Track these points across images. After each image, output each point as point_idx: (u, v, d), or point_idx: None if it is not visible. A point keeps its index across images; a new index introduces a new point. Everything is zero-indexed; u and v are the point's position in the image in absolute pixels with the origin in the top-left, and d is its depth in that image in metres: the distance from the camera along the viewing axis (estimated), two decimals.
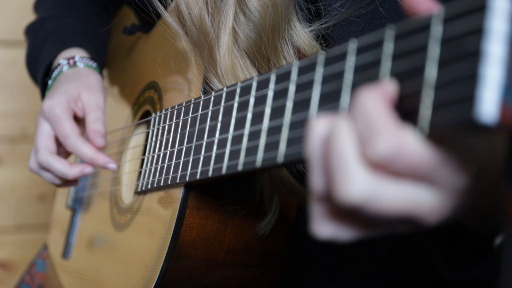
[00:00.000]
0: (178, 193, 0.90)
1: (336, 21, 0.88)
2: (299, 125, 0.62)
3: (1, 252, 1.91)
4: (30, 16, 1.34)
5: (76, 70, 1.15)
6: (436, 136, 0.47)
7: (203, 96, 0.87)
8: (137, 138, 1.16)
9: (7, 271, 1.90)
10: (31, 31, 1.27)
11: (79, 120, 1.13)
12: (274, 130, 0.66)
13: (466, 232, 0.69)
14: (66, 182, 1.11)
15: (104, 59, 1.28)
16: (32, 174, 1.88)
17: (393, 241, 0.98)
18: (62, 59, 1.17)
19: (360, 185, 0.49)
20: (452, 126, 0.44)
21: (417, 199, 0.50)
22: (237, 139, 0.75)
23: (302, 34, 0.88)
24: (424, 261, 0.98)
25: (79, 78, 1.13)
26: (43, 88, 1.21)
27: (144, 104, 1.14)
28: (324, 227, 0.54)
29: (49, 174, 1.10)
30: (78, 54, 1.18)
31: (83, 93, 1.10)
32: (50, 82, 1.16)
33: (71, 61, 1.16)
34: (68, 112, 1.08)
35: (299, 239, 0.96)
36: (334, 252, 0.98)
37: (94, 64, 1.18)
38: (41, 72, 1.19)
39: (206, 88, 0.91)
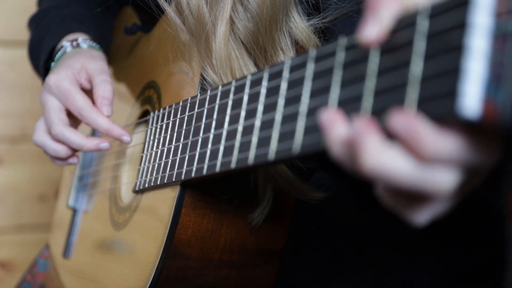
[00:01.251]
0: (174, 191, 0.91)
1: (336, 16, 0.88)
2: (290, 120, 0.63)
3: (1, 252, 1.91)
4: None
5: (79, 49, 1.15)
6: None
7: (199, 95, 0.88)
8: (137, 137, 1.17)
9: (7, 271, 1.90)
10: (34, 21, 1.27)
11: (86, 92, 1.12)
12: (266, 126, 0.67)
13: None
14: (68, 157, 1.10)
15: (107, 51, 1.28)
16: (32, 174, 1.88)
17: (392, 240, 0.98)
18: (65, 42, 1.16)
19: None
20: (436, 121, 0.44)
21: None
22: (230, 136, 0.75)
23: (300, 26, 0.88)
24: (422, 260, 0.98)
25: (81, 53, 1.12)
26: (45, 73, 1.20)
27: (144, 103, 1.14)
28: (418, 216, 0.52)
29: (55, 144, 1.08)
30: (81, 37, 1.18)
31: (87, 64, 1.09)
32: (53, 64, 1.16)
33: (74, 43, 1.15)
34: (76, 85, 1.06)
35: (296, 238, 0.96)
36: (332, 250, 0.98)
37: (98, 46, 1.18)
38: (44, 56, 1.18)
39: (202, 81, 0.91)
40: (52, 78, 1.06)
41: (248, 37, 0.88)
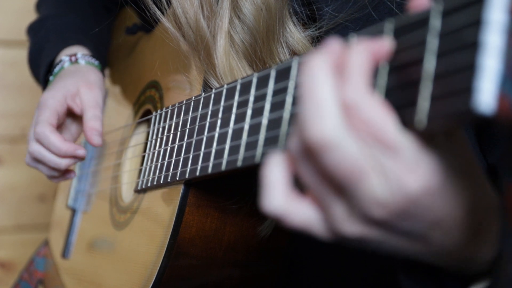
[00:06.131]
0: (178, 190, 0.91)
1: (331, 26, 0.88)
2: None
3: (1, 252, 1.91)
4: (30, 16, 1.35)
5: (77, 66, 1.16)
6: (432, 129, 0.48)
7: (203, 93, 0.88)
8: (138, 137, 1.16)
9: (7, 271, 1.90)
10: (32, 30, 1.28)
11: (76, 117, 1.13)
12: (274, 125, 0.67)
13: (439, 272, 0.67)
14: (64, 173, 1.11)
15: (104, 58, 1.29)
16: (32, 174, 1.87)
17: None
18: (64, 56, 1.17)
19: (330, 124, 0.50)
20: (450, 117, 0.44)
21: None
22: (237, 134, 0.75)
23: (296, 37, 0.89)
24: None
25: (79, 74, 1.14)
26: (45, 86, 1.21)
27: (145, 103, 1.14)
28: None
29: (45, 166, 1.09)
30: (80, 51, 1.18)
31: (82, 90, 1.10)
32: (51, 78, 1.17)
33: (73, 58, 1.17)
34: (59, 106, 1.08)
35: (299, 237, 0.96)
36: (334, 250, 0.98)
37: (96, 62, 1.19)
38: (43, 69, 1.19)
39: (206, 89, 0.92)
40: (44, 95, 1.10)
41: (246, 50, 0.88)
